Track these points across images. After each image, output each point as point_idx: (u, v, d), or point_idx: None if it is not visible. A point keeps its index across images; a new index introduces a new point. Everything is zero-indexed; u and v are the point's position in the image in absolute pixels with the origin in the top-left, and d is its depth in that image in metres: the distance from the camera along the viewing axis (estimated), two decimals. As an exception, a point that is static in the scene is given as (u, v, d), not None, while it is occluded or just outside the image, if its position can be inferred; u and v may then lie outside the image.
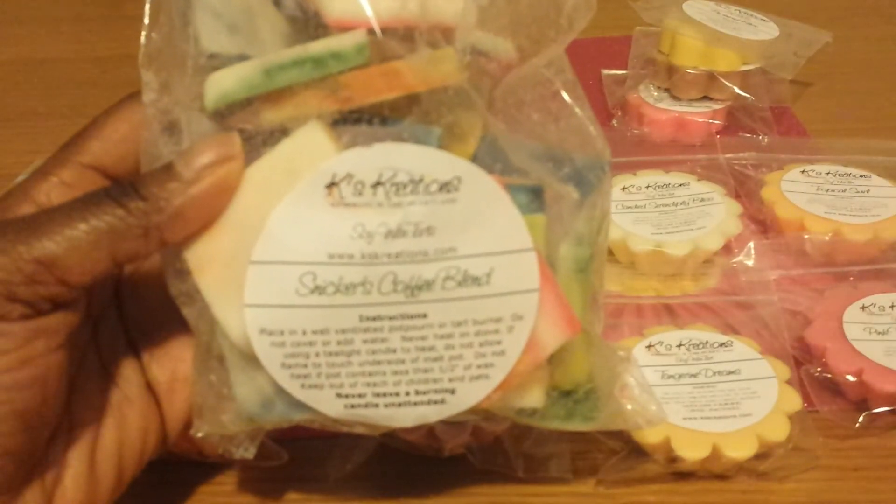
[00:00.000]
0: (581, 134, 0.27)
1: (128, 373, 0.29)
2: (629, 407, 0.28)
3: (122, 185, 0.25)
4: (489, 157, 0.26)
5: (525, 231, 0.25)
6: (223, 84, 0.25)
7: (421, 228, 0.25)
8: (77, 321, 0.26)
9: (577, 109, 0.27)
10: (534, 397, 0.27)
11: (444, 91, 0.25)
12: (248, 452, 0.28)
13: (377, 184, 0.25)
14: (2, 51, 0.74)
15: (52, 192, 0.27)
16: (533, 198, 0.26)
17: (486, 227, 0.25)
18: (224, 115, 0.25)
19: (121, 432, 0.28)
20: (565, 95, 0.27)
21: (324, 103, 0.25)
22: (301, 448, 0.35)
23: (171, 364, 0.29)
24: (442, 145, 0.25)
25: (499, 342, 0.26)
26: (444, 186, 0.25)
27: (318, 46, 0.25)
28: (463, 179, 0.25)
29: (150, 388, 0.29)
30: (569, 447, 0.35)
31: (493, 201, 0.25)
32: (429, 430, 0.33)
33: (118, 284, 0.30)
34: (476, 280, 0.25)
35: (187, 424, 0.29)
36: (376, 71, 0.25)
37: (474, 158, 0.26)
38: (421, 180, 0.25)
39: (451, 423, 0.33)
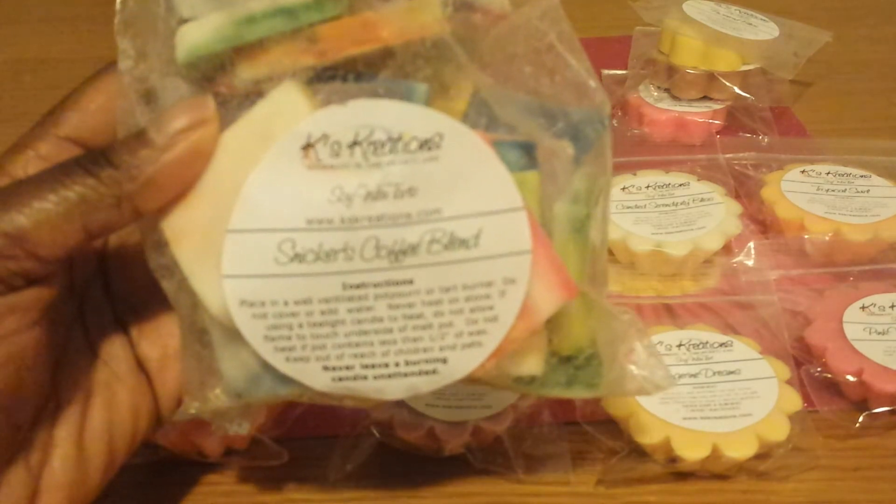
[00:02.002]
0: (578, 87, 0.26)
1: (116, 350, 0.28)
2: (635, 372, 0.27)
3: (93, 154, 0.24)
4: (474, 113, 0.25)
5: (514, 189, 0.24)
6: (194, 36, 0.24)
7: (402, 189, 0.24)
8: (52, 297, 0.25)
9: (572, 61, 0.25)
10: (531, 364, 0.26)
11: (422, 43, 0.24)
12: (241, 428, 0.27)
13: (354, 143, 0.24)
14: (2, 51, 0.74)
15: (28, 165, 0.26)
16: (523, 154, 0.25)
17: (472, 185, 0.24)
18: (199, 78, 0.25)
19: (110, 412, 0.28)
20: (560, 47, 0.25)
21: (299, 58, 0.24)
22: (301, 448, 0.35)
23: (162, 340, 0.29)
24: (428, 104, 0.24)
25: (491, 307, 0.25)
26: (425, 144, 0.24)
27: None
28: (445, 136, 0.24)
29: (140, 365, 0.29)
30: (569, 447, 0.35)
31: (478, 158, 0.24)
32: (429, 430, 0.33)
33: (103, 259, 0.29)
34: (463, 242, 0.24)
35: (180, 402, 0.28)
36: (351, 22, 0.24)
37: (464, 119, 0.25)
38: (400, 138, 0.24)
39: (452, 423, 0.33)
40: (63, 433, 0.27)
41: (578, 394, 0.27)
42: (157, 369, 0.29)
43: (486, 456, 0.34)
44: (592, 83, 0.26)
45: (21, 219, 0.23)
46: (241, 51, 0.24)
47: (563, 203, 0.26)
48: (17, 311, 0.24)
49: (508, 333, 0.25)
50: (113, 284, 0.29)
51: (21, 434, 0.25)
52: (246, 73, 0.24)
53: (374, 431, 0.34)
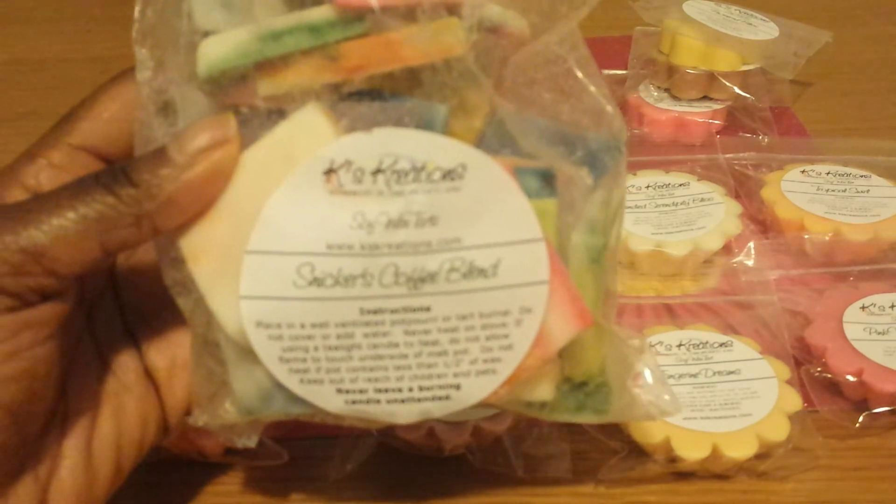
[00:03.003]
0: (595, 113, 0.26)
1: (125, 360, 0.28)
2: (642, 398, 0.27)
3: (113, 172, 0.24)
4: (497, 141, 0.25)
5: (534, 220, 0.24)
6: (216, 51, 0.24)
7: (423, 218, 0.24)
8: (67, 312, 0.25)
9: (591, 87, 0.26)
10: (543, 391, 0.26)
11: (448, 72, 0.24)
12: (250, 441, 0.28)
13: (377, 171, 0.24)
14: (2, 51, 0.74)
15: (40, 174, 0.26)
16: (543, 182, 0.25)
17: (493, 216, 0.24)
18: (219, 92, 0.25)
19: (119, 421, 0.28)
20: (578, 72, 0.26)
21: (320, 75, 0.24)
22: (301, 448, 0.35)
23: (171, 350, 0.29)
24: (448, 123, 0.24)
25: (506, 336, 0.25)
26: (448, 174, 0.24)
27: (314, 14, 0.24)
28: (468, 166, 0.24)
29: (148, 375, 0.29)
30: (569, 447, 0.35)
31: (500, 189, 0.24)
32: (429, 430, 0.33)
33: (113, 269, 0.29)
34: (482, 272, 0.24)
35: (188, 411, 0.28)
36: (374, 42, 0.24)
37: (481, 140, 0.25)
38: (423, 168, 0.24)
39: (452, 423, 0.33)
40: (71, 443, 0.27)
41: (587, 419, 0.27)
42: (165, 379, 0.29)
43: (486, 456, 0.34)
44: (610, 109, 0.26)
45: (39, 235, 0.23)
46: (262, 66, 0.24)
47: (581, 233, 0.26)
48: (32, 327, 0.24)
49: (523, 361, 0.25)
50: (122, 294, 0.29)
51: (30, 445, 0.25)
52: (266, 88, 0.24)
53: (374, 431, 0.35)
